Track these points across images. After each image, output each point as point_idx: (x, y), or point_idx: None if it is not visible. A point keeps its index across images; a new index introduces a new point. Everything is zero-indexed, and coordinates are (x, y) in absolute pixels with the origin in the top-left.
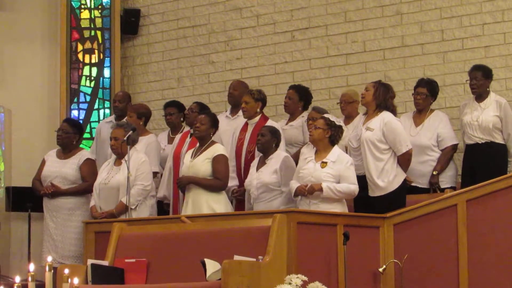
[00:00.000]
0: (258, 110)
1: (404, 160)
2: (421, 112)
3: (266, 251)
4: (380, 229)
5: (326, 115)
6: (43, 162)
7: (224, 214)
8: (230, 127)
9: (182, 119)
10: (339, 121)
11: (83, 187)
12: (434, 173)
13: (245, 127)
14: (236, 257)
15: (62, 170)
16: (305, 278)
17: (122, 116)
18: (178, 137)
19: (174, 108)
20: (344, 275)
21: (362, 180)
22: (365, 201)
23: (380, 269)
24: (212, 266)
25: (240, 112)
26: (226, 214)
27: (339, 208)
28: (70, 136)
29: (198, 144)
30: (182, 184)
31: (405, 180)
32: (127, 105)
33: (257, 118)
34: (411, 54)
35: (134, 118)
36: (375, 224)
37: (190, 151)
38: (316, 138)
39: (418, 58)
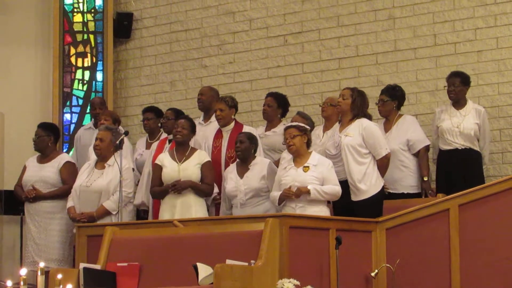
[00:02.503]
0: (233, 116)
1: (382, 164)
2: (389, 118)
3: (258, 255)
4: (372, 234)
5: (294, 123)
6: (24, 168)
7: (216, 218)
8: (202, 132)
9: (159, 124)
10: (305, 124)
11: (64, 190)
12: (425, 178)
13: (219, 134)
14: (228, 261)
15: (42, 174)
16: (297, 283)
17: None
18: (155, 144)
19: (151, 113)
20: (336, 279)
21: (342, 185)
22: (344, 206)
23: (372, 274)
24: (204, 270)
25: (212, 118)
26: (218, 218)
27: (325, 210)
28: (44, 139)
29: (174, 149)
30: (182, 189)
31: (383, 186)
32: (105, 111)
33: (232, 125)
34: (403, 58)
35: (110, 122)
36: (367, 229)
37: (167, 155)
38: (298, 146)
39: (411, 62)
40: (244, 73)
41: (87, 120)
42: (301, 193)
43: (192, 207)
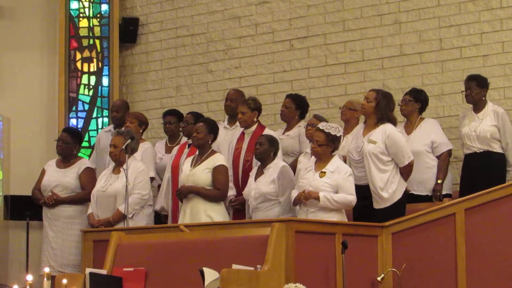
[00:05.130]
0: (255, 119)
1: (406, 171)
2: (411, 119)
3: (264, 260)
4: (378, 238)
5: (326, 129)
6: (43, 172)
7: (222, 223)
8: (228, 137)
9: (180, 128)
10: (338, 130)
11: (82, 195)
12: (439, 181)
13: (241, 136)
14: (235, 266)
15: (62, 179)
16: (304, 287)
17: (121, 125)
18: (176, 148)
19: (173, 117)
20: (342, 284)
21: (364, 190)
22: (366, 211)
23: (379, 278)
24: (210, 275)
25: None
26: (225, 223)
27: (337, 217)
28: (70, 146)
29: (197, 153)
30: (183, 195)
31: (405, 189)
32: (125, 114)
33: (254, 127)
34: (409, 63)
35: (135, 125)
36: (373, 233)
37: (189, 159)
38: (321, 154)
39: (417, 67)
40: (250, 78)
41: (93, 125)
42: (310, 197)
43: (201, 212)
